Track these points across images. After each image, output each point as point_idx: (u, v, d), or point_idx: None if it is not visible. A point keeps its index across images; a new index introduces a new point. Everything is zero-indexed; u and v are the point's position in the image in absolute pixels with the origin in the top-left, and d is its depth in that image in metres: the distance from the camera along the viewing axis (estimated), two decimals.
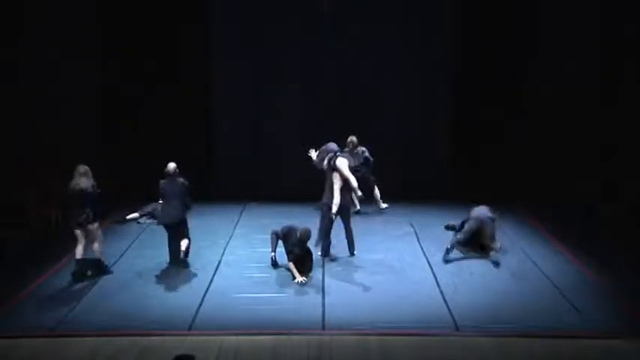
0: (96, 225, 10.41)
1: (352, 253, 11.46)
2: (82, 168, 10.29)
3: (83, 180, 10.22)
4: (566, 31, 14.49)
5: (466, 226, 11.58)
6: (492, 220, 11.54)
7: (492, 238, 11.43)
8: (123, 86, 14.71)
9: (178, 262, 10.82)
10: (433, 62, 15.18)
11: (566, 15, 14.50)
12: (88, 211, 10.24)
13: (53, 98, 13.98)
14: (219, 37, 15.20)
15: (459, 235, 11.54)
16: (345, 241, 11.47)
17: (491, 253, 11.24)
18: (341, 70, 15.10)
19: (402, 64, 15.18)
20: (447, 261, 11.07)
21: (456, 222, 12.21)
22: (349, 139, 13.08)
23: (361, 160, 13.06)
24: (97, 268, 10.48)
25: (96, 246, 10.46)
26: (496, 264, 10.99)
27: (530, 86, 14.86)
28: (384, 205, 13.87)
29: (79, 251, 10.37)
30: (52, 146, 13.73)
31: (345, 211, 11.26)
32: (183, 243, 10.80)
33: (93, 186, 10.27)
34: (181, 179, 10.76)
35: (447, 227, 12.72)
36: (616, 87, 14.04)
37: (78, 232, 10.35)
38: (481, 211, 11.62)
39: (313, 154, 11.75)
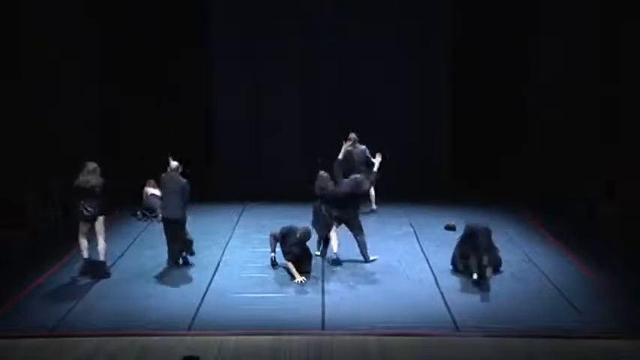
0: (102, 219, 10.54)
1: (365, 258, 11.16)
2: (91, 165, 10.47)
3: (92, 176, 10.38)
4: (567, 29, 14.49)
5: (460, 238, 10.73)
6: (487, 232, 10.41)
7: (487, 250, 10.19)
8: (123, 86, 14.72)
9: (177, 261, 10.88)
10: (432, 62, 15.21)
11: (566, 14, 14.51)
12: (96, 206, 10.40)
13: (53, 99, 13.99)
14: (219, 37, 15.22)
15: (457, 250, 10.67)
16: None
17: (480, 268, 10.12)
18: (340, 70, 15.13)
19: (401, 65, 15.21)
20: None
21: (456, 222, 12.20)
22: (350, 136, 13.04)
23: (364, 157, 13.04)
24: (98, 270, 10.49)
25: (102, 244, 10.53)
26: (476, 282, 10.06)
27: (531, 86, 14.87)
28: (374, 207, 13.80)
29: (85, 247, 10.49)
30: (53, 146, 13.74)
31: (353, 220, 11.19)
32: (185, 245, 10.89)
33: (101, 182, 10.43)
34: (182, 178, 10.72)
35: (447, 227, 12.72)
36: (617, 86, 14.04)
37: (85, 227, 10.47)
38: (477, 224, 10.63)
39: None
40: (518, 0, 14.82)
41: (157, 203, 12.12)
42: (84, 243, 10.48)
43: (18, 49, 13.63)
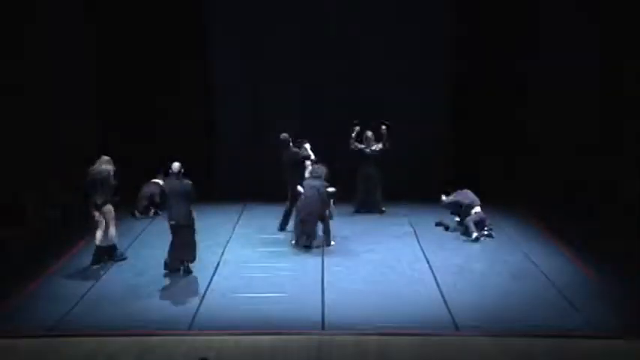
0: (111, 207, 10.89)
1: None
2: (105, 158, 10.98)
3: (106, 165, 10.88)
4: (567, 31, 14.49)
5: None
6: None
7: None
8: (122, 86, 14.73)
9: (178, 267, 10.57)
10: (433, 62, 15.20)
11: (566, 15, 14.51)
12: (107, 194, 10.83)
13: (53, 99, 13.99)
14: (219, 36, 15.22)
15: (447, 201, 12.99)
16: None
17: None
18: (341, 70, 15.10)
19: (401, 65, 15.17)
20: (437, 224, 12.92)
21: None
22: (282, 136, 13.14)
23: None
24: (111, 254, 10.95)
25: (112, 230, 10.92)
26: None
27: (531, 87, 14.87)
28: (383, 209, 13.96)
29: (99, 236, 10.84)
30: (52, 147, 13.74)
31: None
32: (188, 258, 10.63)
33: (112, 170, 10.89)
34: (185, 180, 10.55)
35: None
36: (617, 87, 14.04)
37: (98, 215, 10.82)
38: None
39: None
40: (518, 0, 14.82)
41: (156, 190, 12.25)
42: (98, 232, 10.85)
43: (17, 50, 13.62)
